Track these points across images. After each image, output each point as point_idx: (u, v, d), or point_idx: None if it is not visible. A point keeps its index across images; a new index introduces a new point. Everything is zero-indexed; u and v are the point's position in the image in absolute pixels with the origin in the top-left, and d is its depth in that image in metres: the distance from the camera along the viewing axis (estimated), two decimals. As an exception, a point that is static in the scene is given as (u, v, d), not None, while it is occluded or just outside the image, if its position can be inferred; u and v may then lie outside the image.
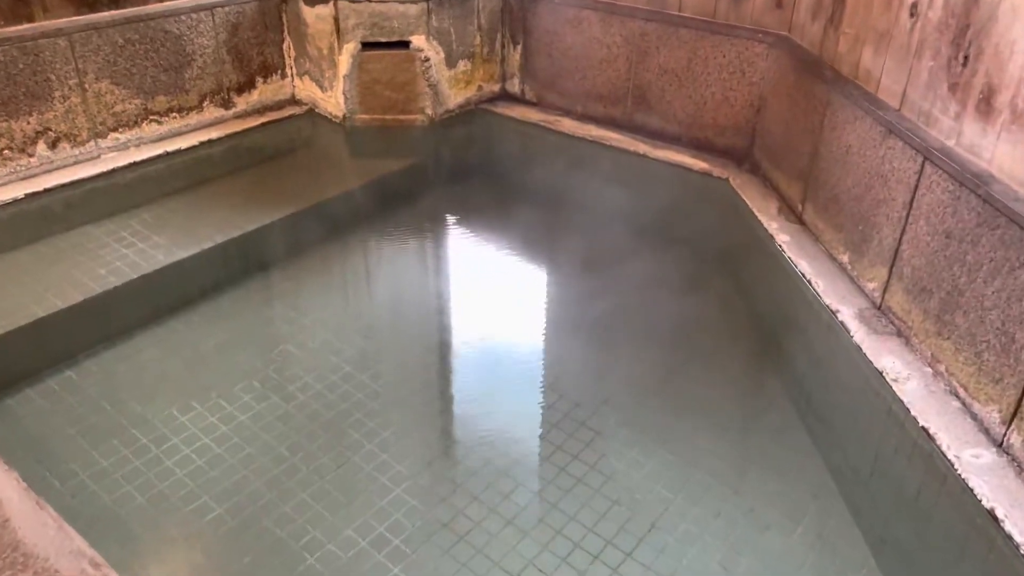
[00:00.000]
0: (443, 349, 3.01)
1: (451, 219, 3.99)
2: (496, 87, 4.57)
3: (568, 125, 4.18)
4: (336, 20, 3.86)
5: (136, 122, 3.66)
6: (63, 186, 3.37)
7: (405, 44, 3.97)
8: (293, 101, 4.33)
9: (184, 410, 2.60)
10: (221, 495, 2.32)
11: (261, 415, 2.61)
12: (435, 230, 3.87)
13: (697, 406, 2.73)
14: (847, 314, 2.61)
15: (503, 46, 4.50)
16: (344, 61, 3.92)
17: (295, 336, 2.98)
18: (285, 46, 4.20)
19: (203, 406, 2.63)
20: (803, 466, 2.51)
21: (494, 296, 3.37)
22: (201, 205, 3.52)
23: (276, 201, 3.55)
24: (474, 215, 4.00)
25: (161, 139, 3.78)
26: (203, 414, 2.60)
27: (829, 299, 2.68)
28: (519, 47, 4.45)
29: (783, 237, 3.07)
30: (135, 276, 2.94)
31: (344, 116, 4.05)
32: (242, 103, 4.08)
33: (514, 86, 4.58)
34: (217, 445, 2.49)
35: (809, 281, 2.81)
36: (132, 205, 3.47)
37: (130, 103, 3.61)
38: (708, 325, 3.17)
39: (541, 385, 2.82)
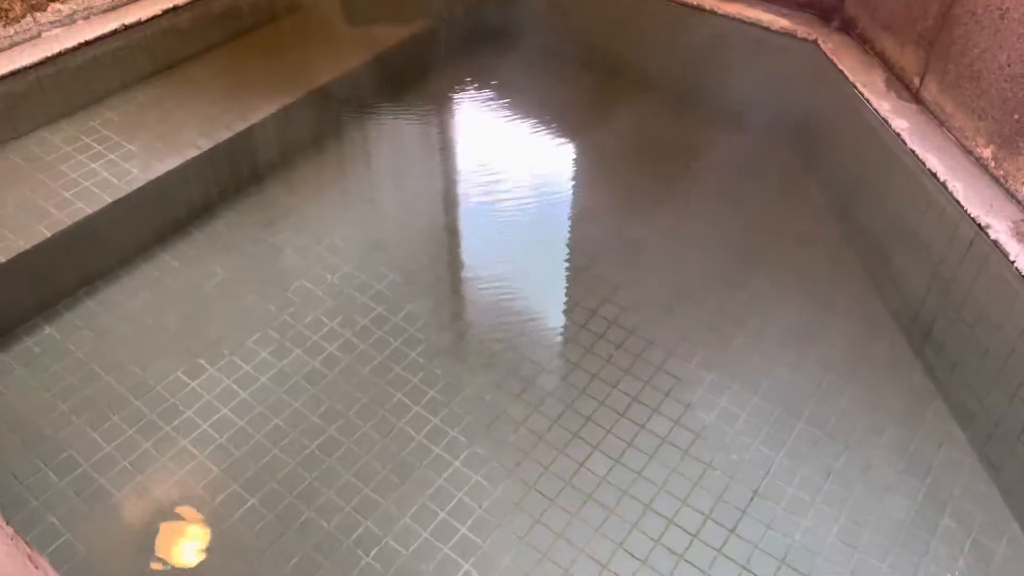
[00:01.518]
0: (490, 276, 2.63)
1: (479, 103, 3.45)
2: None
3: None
4: None
5: (79, -13, 3.02)
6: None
7: None
8: (271, -52, 3.61)
9: (193, 373, 2.27)
10: (252, 482, 2.04)
11: (285, 375, 2.28)
12: (461, 118, 3.35)
13: (795, 342, 2.42)
14: (1001, 229, 2.20)
15: None
16: None
17: (310, 269, 2.59)
18: None
19: (214, 366, 2.29)
20: (923, 412, 2.24)
21: (542, 201, 2.95)
22: (174, 97, 2.98)
23: (263, 89, 3.01)
24: (507, 94, 3.46)
25: (115, 7, 3.14)
26: (216, 377, 2.26)
27: (973, 208, 2.26)
28: None
29: (900, 122, 2.59)
30: (110, 200, 2.49)
31: (338, -32, 3.39)
32: (209, -45, 3.38)
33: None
34: (238, 416, 2.18)
35: (943, 183, 2.37)
36: (90, 100, 2.92)
37: (68, -38, 2.95)
38: (806, 240, 2.79)
39: (606, 320, 2.47)
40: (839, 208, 2.87)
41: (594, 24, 3.62)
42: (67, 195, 2.50)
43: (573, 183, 3.05)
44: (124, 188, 2.52)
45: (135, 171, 2.59)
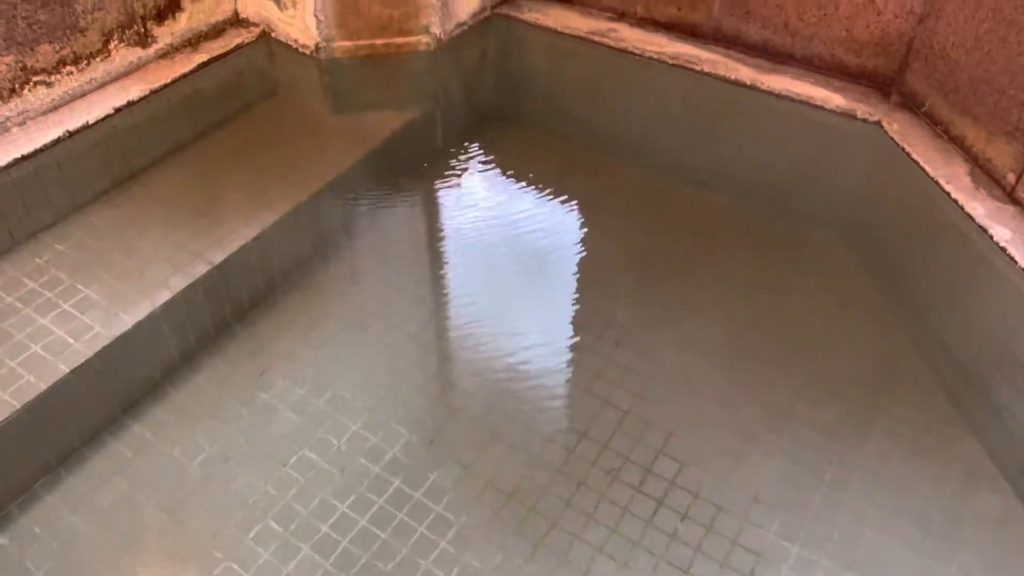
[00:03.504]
0: (521, 431, 2.36)
1: (488, 193, 3.19)
2: (516, -24, 3.57)
3: (629, 37, 3.29)
4: (295, -94, 2.81)
5: (13, 90, 2.68)
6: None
7: (399, -65, 2.96)
8: (237, 22, 3.30)
9: (181, 592, 1.96)
10: None
11: (294, 585, 1.98)
12: (476, 224, 3.06)
13: (884, 497, 2.17)
14: None
15: (525, -84, 3.46)
16: (312, -32, 2.91)
17: (312, 432, 2.30)
18: (217, -57, 3.12)
19: (208, 580, 1.98)
20: None
21: (570, 318, 2.69)
22: (137, 219, 2.66)
23: (241, 204, 2.70)
24: (524, 194, 3.20)
25: (55, 109, 2.80)
26: (211, 598, 1.95)
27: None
28: (549, -82, 3.42)
29: (1001, 232, 2.34)
30: (67, 370, 2.16)
31: (317, 45, 3.09)
32: (165, 34, 3.06)
33: (541, -27, 3.59)
34: (242, 652, 1.87)
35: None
36: (34, 229, 2.59)
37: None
38: (878, 363, 2.56)
39: (664, 481, 2.21)
40: (916, 324, 2.65)
41: (610, 103, 3.38)
42: (12, 365, 2.16)
43: (602, 292, 2.80)
44: (83, 351, 2.20)
45: (96, 326, 2.27)
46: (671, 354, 2.60)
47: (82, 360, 2.18)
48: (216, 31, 3.23)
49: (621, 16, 3.45)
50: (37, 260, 2.49)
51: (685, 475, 2.24)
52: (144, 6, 2.95)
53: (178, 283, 2.40)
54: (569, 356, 2.58)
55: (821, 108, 2.90)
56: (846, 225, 3.01)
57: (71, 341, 2.23)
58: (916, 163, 2.63)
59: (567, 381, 2.50)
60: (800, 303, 2.79)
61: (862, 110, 2.85)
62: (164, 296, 2.37)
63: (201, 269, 2.45)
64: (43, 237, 2.58)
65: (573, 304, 2.77)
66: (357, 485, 2.18)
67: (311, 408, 2.36)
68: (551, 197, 3.19)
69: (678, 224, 3.13)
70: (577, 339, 2.63)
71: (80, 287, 2.40)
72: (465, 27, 3.35)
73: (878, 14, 2.86)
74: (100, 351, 2.21)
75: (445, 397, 2.45)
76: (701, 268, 2.90)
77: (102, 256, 2.50)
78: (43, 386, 2.11)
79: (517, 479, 2.21)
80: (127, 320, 2.29)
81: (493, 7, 3.49)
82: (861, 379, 2.52)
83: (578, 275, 2.88)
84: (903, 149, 2.69)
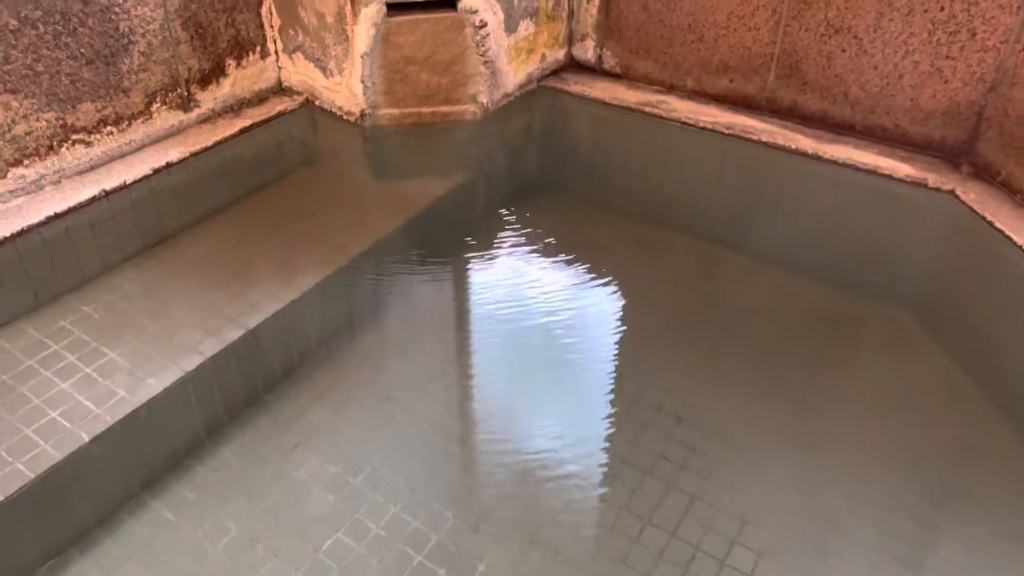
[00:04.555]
0: (575, 509, 2.14)
1: (537, 277, 3.06)
2: (561, 54, 3.56)
3: (680, 108, 3.23)
4: (347, -29, 2.81)
5: (51, 147, 2.62)
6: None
7: (451, 3, 2.94)
8: (280, 90, 3.28)
9: None
10: None
11: None
12: (520, 296, 2.93)
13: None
14: None
15: (572, -7, 3.48)
16: (362, 33, 2.88)
17: (347, 514, 2.11)
18: (265, 11, 3.13)
19: None
20: None
21: (639, 420, 2.50)
22: (169, 282, 2.54)
23: (277, 269, 2.59)
24: (569, 265, 3.07)
25: (92, 168, 2.74)
26: None
27: None
28: (597, -6, 3.43)
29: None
30: (87, 439, 1.99)
31: (362, 112, 3.04)
32: (208, 99, 3.03)
33: (586, 51, 3.57)
34: None
35: None
36: (61, 290, 2.48)
37: (38, 118, 2.56)
38: (973, 451, 2.35)
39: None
40: (1004, 403, 2.44)
41: (659, 172, 3.29)
42: (27, 432, 2.00)
43: (659, 367, 2.62)
44: (105, 419, 2.03)
45: (120, 391, 2.11)
46: (738, 433, 2.40)
47: (103, 428, 2.01)
48: (259, 98, 3.20)
49: (670, 89, 3.40)
50: (61, 322, 2.36)
51: (764, 568, 2.01)
52: (189, 70, 2.93)
53: (210, 348, 2.26)
54: (627, 435, 2.39)
55: (889, 177, 2.78)
56: (919, 299, 2.84)
57: (93, 408, 2.07)
58: (1000, 232, 2.48)
59: (625, 462, 2.29)
60: (872, 382, 2.60)
61: (933, 179, 2.73)
62: (194, 361, 2.22)
63: (234, 334, 2.31)
64: (69, 298, 2.46)
65: (626, 380, 2.59)
66: (397, 575, 1.96)
67: (347, 487, 2.16)
68: (597, 269, 3.06)
69: (734, 298, 2.98)
70: (634, 417, 2.44)
71: (105, 350, 2.25)
72: (512, 98, 3.31)
73: (945, 83, 2.78)
74: (123, 419, 2.05)
75: (492, 477, 2.25)
76: (762, 344, 2.73)
77: (130, 319, 2.37)
78: (59, 456, 1.94)
79: (577, 570, 1.98)
80: (154, 386, 2.13)
81: (539, 80, 3.46)
82: (947, 461, 2.31)
83: (630, 350, 2.71)
84: (984, 218, 2.55)
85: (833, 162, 2.86)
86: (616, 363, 2.68)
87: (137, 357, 2.23)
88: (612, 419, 2.45)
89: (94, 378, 2.17)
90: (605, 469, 2.27)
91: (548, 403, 2.50)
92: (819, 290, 2.98)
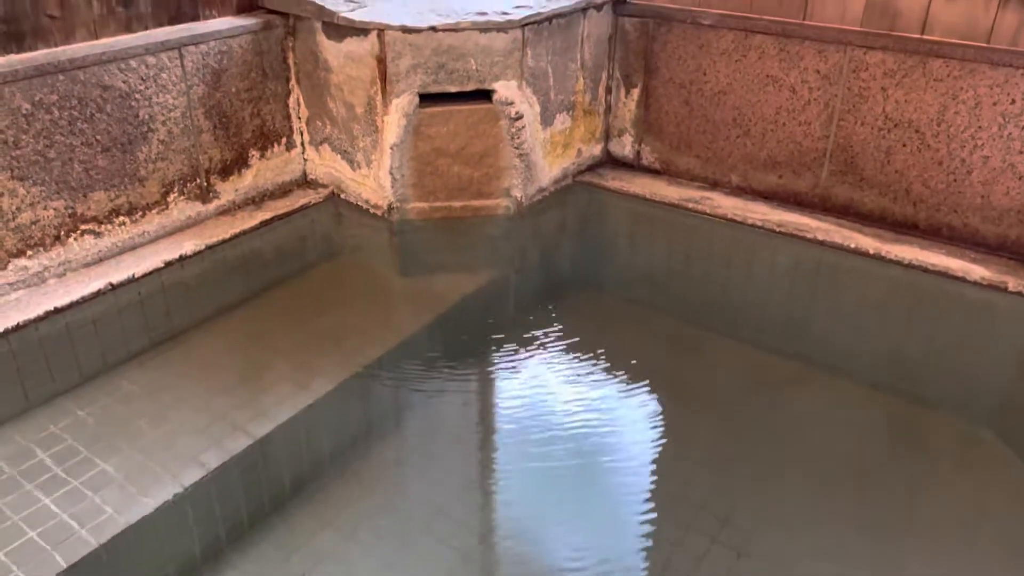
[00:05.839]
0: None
1: (571, 383, 2.83)
2: (597, 149, 3.46)
3: (726, 205, 3.07)
4: (381, 60, 2.72)
5: (58, 237, 2.49)
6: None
7: (485, 95, 2.85)
8: (305, 182, 3.17)
9: None
10: None
11: None
12: (552, 407, 2.69)
13: None
14: None
15: (609, 91, 3.39)
16: (392, 123, 2.78)
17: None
18: (292, 101, 3.05)
19: None
20: None
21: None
22: (173, 383, 2.34)
23: (291, 371, 2.38)
24: (604, 370, 2.85)
25: (100, 260, 2.60)
26: None
27: None
28: (635, 91, 3.34)
29: None
30: (64, 566, 1.74)
31: (390, 205, 2.90)
32: (228, 190, 2.91)
33: (623, 147, 3.47)
34: None
35: None
36: (55, 391, 2.28)
37: (47, 207, 2.44)
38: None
39: None
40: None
41: (703, 271, 3.10)
42: (-1, 556, 1.75)
43: (711, 488, 2.34)
44: (89, 541, 1.79)
45: (109, 509, 1.87)
46: (807, 565, 2.10)
47: (85, 551, 1.76)
48: (282, 190, 3.09)
49: (714, 185, 3.26)
50: (52, 427, 2.14)
51: None
52: (210, 160, 2.83)
53: (213, 460, 2.03)
54: (683, 569, 2.09)
55: (962, 280, 2.57)
56: (1000, 413, 2.58)
57: (76, 527, 1.83)
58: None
59: (686, 603, 1.99)
60: (955, 507, 2.30)
61: (1014, 283, 2.52)
62: (195, 475, 1.98)
63: (240, 444, 2.08)
64: (63, 400, 2.25)
65: (672, 503, 2.31)
66: None
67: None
68: (635, 374, 2.81)
69: (787, 409, 2.71)
70: (688, 549, 2.15)
71: (97, 460, 2.03)
72: (546, 192, 3.18)
73: (1019, 179, 2.60)
74: (108, 541, 1.80)
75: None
76: (824, 461, 2.45)
77: (128, 424, 2.15)
78: (40, 596, 1.69)
79: None
80: (146, 504, 1.89)
81: (575, 175, 3.34)
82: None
83: (674, 467, 2.44)
84: (1077, 326, 2.33)
85: (898, 263, 2.66)
86: (658, 482, 2.40)
87: (132, 469, 2.00)
88: (658, 549, 2.16)
89: (82, 492, 1.93)
90: (661, 611, 1.97)
91: (582, 527, 2.23)
92: (885, 402, 2.72)
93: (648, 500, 2.35)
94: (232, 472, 2.04)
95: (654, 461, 2.48)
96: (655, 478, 2.43)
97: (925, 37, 2.66)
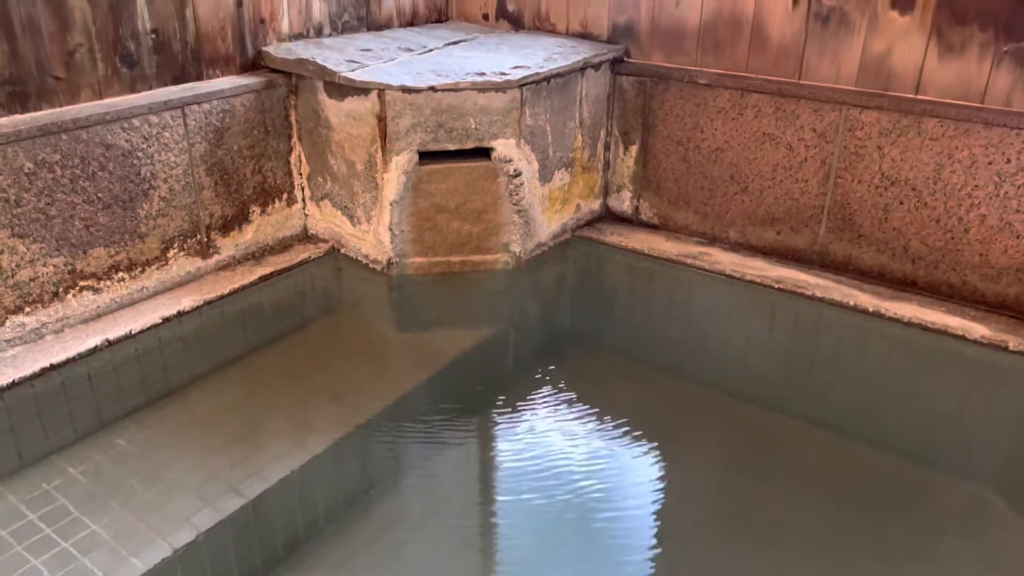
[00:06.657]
0: None
1: (569, 443, 2.81)
2: (596, 204, 3.50)
3: (724, 260, 3.09)
4: (381, 119, 2.77)
5: (56, 293, 2.50)
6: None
7: (484, 152, 2.89)
8: (305, 237, 3.21)
9: None
10: None
11: None
12: (548, 468, 2.68)
13: None
14: None
15: (607, 147, 3.44)
16: (392, 180, 2.82)
17: None
18: (294, 158, 3.10)
19: None
20: None
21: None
22: (168, 442, 2.33)
23: (288, 428, 2.38)
24: (603, 430, 2.84)
25: (99, 316, 2.61)
26: None
27: None
28: (633, 148, 3.39)
29: None
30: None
31: (389, 261, 2.93)
32: (228, 246, 2.94)
33: (622, 202, 3.50)
34: None
35: None
36: (48, 450, 2.27)
37: (46, 263, 2.46)
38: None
39: None
40: None
41: (701, 328, 3.10)
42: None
43: (711, 557, 2.31)
44: (80, 610, 1.76)
45: (98, 572, 1.85)
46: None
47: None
48: (283, 245, 3.11)
49: (712, 241, 3.28)
50: (44, 486, 2.13)
51: None
52: (211, 216, 2.86)
53: (204, 521, 2.01)
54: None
55: (962, 338, 2.57)
56: (1004, 474, 2.55)
57: (71, 611, 1.81)
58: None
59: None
60: (963, 570, 2.27)
61: (1014, 342, 2.52)
62: (185, 537, 1.96)
63: (233, 504, 2.07)
64: (56, 459, 2.24)
65: (675, 567, 2.28)
66: None
67: None
68: (635, 432, 2.80)
69: (788, 469, 2.69)
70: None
71: (87, 521, 2.01)
72: (545, 247, 3.20)
73: (1017, 237, 2.62)
74: (98, 613, 1.78)
75: None
76: (825, 525, 2.42)
77: (121, 484, 2.14)
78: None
79: None
80: (136, 566, 1.87)
81: (574, 230, 3.37)
82: None
83: (673, 528, 2.41)
84: (1080, 386, 2.32)
85: (897, 321, 2.67)
86: (659, 545, 2.37)
87: (122, 530, 1.98)
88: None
89: (71, 554, 1.91)
90: None
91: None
92: (888, 463, 2.69)
93: (649, 562, 2.32)
94: (224, 533, 2.02)
95: (655, 523, 2.46)
96: (655, 541, 2.40)
97: (919, 97, 2.71)
